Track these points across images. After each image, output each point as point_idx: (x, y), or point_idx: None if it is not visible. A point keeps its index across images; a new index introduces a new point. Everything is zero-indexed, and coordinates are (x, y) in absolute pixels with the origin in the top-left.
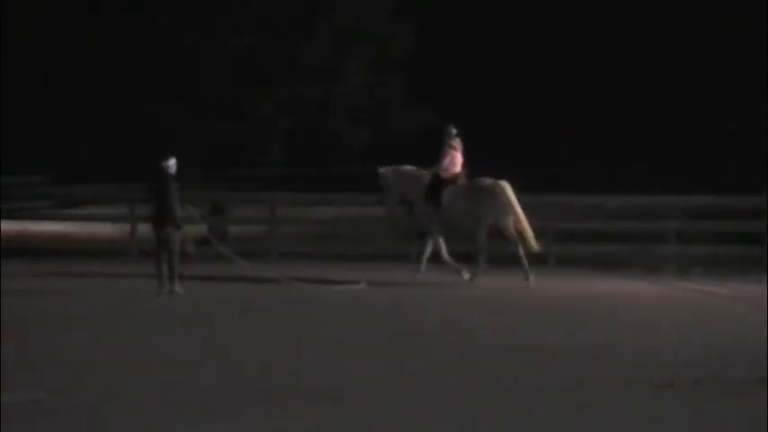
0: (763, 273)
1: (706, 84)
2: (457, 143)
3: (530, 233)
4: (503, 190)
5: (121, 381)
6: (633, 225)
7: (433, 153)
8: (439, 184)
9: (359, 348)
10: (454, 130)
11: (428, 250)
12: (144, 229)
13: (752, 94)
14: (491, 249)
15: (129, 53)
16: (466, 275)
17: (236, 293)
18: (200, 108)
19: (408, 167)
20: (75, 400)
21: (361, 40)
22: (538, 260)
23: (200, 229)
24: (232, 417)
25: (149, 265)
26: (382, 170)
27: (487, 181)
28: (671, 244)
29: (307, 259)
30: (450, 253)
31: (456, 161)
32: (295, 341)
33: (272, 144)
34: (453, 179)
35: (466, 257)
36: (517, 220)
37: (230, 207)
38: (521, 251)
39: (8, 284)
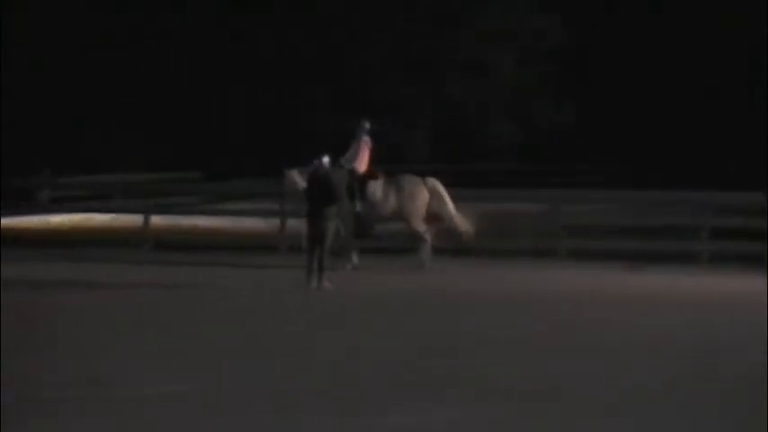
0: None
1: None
2: (367, 138)
3: (463, 227)
4: (434, 185)
5: (264, 373)
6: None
7: (585, 148)
8: (355, 178)
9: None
10: (367, 126)
11: (427, 246)
12: (293, 224)
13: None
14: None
15: (277, 51)
16: (348, 266)
17: (392, 287)
18: (346, 105)
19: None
20: (219, 392)
21: (510, 35)
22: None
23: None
24: (406, 412)
25: (298, 260)
26: (289, 171)
27: (415, 177)
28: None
29: (452, 255)
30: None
31: (366, 157)
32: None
33: (418, 141)
34: (372, 175)
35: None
36: (446, 214)
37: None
38: (427, 244)
39: (163, 277)
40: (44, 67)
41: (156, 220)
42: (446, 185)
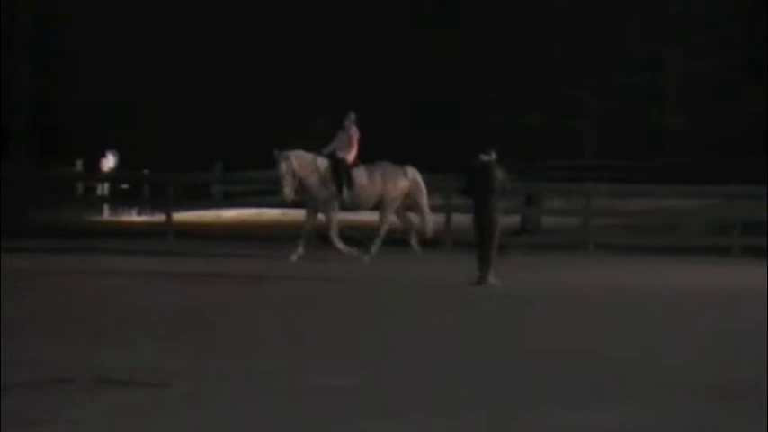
0: None
1: None
2: (355, 129)
3: (430, 223)
4: (414, 175)
5: (437, 368)
6: None
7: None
8: (344, 167)
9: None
10: (353, 116)
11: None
12: (459, 219)
13: None
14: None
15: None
16: (354, 253)
17: (556, 283)
18: (515, 98)
19: (306, 153)
20: (385, 383)
21: (681, 27)
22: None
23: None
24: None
25: (463, 255)
26: (279, 155)
27: (396, 166)
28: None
29: (622, 252)
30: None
31: (355, 147)
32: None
33: (588, 134)
34: (354, 163)
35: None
36: (421, 206)
37: (545, 198)
38: (413, 236)
39: (330, 270)
40: (212, 65)
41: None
42: (615, 180)
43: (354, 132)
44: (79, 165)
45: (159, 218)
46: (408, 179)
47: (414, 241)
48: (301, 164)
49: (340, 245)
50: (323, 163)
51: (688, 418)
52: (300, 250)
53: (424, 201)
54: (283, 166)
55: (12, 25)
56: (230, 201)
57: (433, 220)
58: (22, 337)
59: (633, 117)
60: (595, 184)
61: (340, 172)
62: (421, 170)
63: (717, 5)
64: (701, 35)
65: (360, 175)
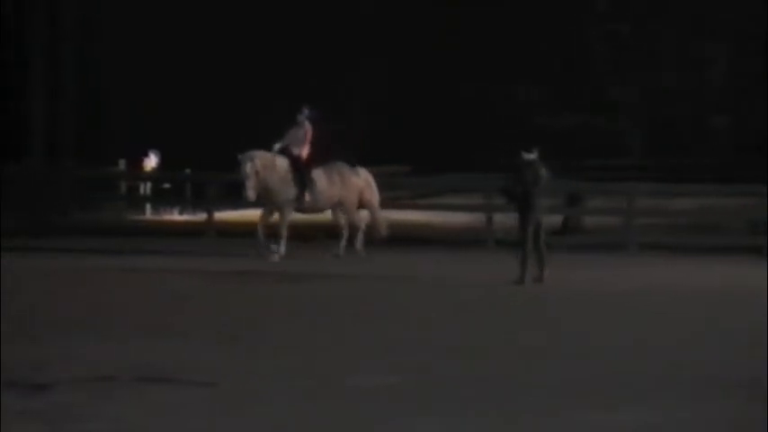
0: None
1: None
2: (309, 124)
3: (381, 222)
4: (366, 174)
5: (481, 367)
6: None
7: None
8: (303, 168)
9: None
10: (307, 111)
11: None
12: (500, 218)
13: None
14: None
15: (505, 46)
16: (276, 252)
17: (598, 282)
18: (558, 97)
19: (267, 153)
20: (427, 383)
21: (724, 25)
22: None
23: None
24: (639, 404)
25: (506, 254)
26: (243, 156)
27: (348, 166)
28: None
29: (666, 251)
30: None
31: (308, 144)
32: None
33: (632, 133)
34: (309, 161)
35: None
36: (373, 205)
37: (587, 197)
38: (345, 233)
39: (372, 270)
40: (248, 66)
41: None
42: (658, 180)
43: (309, 128)
44: (122, 164)
45: (201, 217)
46: (361, 179)
47: (347, 241)
48: (264, 164)
49: (282, 248)
50: (283, 163)
51: (736, 417)
52: (282, 249)
53: (376, 200)
54: (248, 167)
55: (55, 27)
56: None
57: (384, 219)
58: (67, 335)
59: (677, 116)
60: (637, 183)
61: (302, 173)
62: (462, 170)
63: (764, 3)
64: (746, 33)
65: (319, 176)
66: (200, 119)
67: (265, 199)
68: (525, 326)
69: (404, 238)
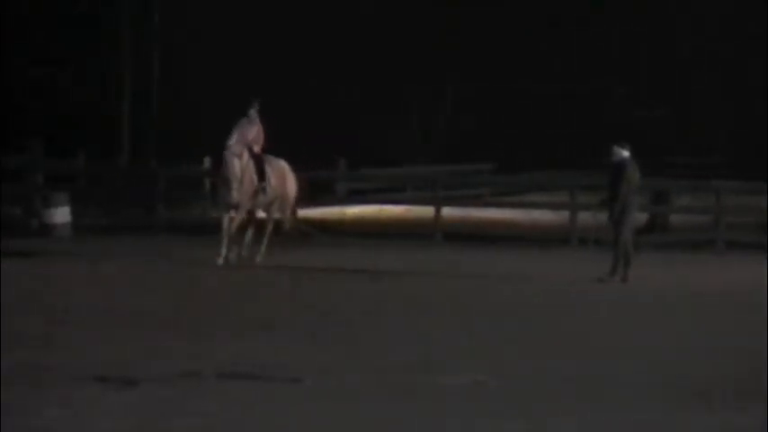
0: None
1: None
2: (257, 120)
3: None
4: (289, 168)
5: (558, 365)
6: None
7: None
8: (260, 164)
9: None
10: (257, 104)
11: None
12: (584, 216)
13: None
14: None
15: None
16: (219, 261)
17: (686, 281)
18: (644, 94)
19: (241, 148)
20: (513, 381)
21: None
22: None
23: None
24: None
25: (589, 252)
26: (229, 153)
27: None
28: None
29: (754, 250)
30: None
31: (262, 138)
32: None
33: (717, 131)
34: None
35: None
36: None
37: (674, 195)
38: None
39: (453, 268)
40: (330, 65)
41: (447, 211)
42: (747, 177)
43: (260, 125)
44: (207, 162)
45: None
46: (291, 173)
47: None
48: (242, 163)
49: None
50: (249, 161)
51: None
52: (263, 249)
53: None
54: (236, 165)
55: (140, 27)
56: (354, 198)
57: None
58: (151, 332)
59: (761, 113)
60: (725, 180)
61: (263, 169)
62: (546, 167)
63: None
64: None
65: (269, 172)
66: (287, 117)
67: (241, 198)
68: (609, 325)
69: (485, 237)
